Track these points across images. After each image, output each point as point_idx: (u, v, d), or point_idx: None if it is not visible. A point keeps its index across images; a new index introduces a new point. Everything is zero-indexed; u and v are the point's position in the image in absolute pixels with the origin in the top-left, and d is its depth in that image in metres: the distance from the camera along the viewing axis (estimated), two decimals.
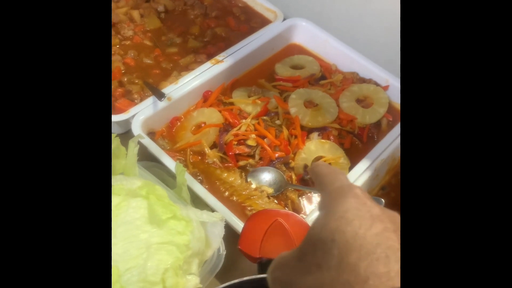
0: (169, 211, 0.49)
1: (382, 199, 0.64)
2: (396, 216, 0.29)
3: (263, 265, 0.50)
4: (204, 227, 0.53)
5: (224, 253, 0.54)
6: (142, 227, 0.47)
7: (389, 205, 0.72)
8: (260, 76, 0.88)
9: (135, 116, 0.72)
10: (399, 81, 0.84)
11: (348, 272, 0.25)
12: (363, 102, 0.82)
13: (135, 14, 0.90)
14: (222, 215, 0.55)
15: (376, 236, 0.26)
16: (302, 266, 0.29)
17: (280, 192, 0.70)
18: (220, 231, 0.53)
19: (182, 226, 0.49)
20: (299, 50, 0.94)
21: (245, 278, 0.47)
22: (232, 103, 0.80)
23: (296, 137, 0.75)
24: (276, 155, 0.72)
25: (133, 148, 0.57)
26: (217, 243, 0.53)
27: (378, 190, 0.75)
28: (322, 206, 0.31)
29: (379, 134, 0.79)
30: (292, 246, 0.51)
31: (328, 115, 0.78)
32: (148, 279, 0.45)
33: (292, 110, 0.78)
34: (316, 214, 0.64)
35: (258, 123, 0.76)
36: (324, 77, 0.87)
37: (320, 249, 0.28)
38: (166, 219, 0.49)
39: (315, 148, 0.73)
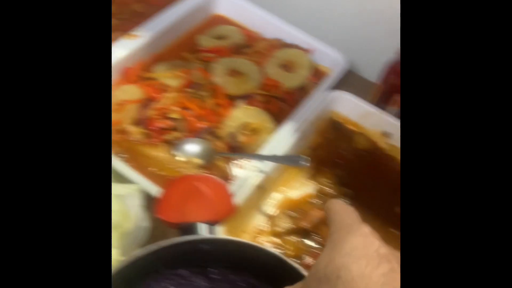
0: None
1: (309, 158, 0.64)
2: None
3: (184, 229, 0.49)
4: (122, 200, 0.51)
5: (146, 224, 0.53)
6: None
7: (319, 163, 0.74)
8: (183, 50, 0.85)
9: None
10: (322, 44, 0.85)
11: None
12: (287, 67, 0.83)
13: None
14: (139, 186, 0.53)
15: (383, 276, 0.26)
16: None
17: (209, 162, 0.69)
18: (137, 203, 0.51)
19: None
20: (223, 21, 0.93)
21: (162, 243, 0.46)
22: (154, 78, 0.77)
23: (221, 106, 0.74)
24: (201, 125, 0.71)
25: None
26: (135, 215, 0.51)
27: (308, 150, 0.76)
28: (330, 241, 0.31)
29: (305, 96, 0.80)
30: (211, 208, 0.50)
31: (252, 82, 0.77)
32: None
33: (216, 80, 0.77)
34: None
35: (182, 96, 0.74)
36: (249, 45, 0.87)
37: (324, 285, 0.28)
38: None
39: (241, 115, 0.73)
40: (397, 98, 0.75)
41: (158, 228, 0.55)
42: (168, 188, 0.50)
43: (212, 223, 0.51)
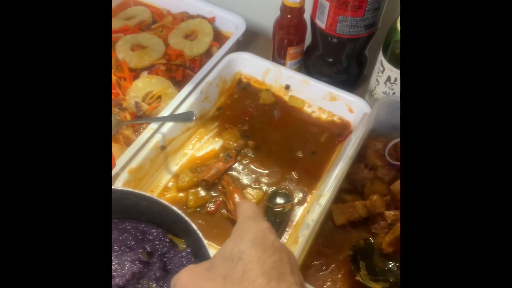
0: None
1: (193, 112, 0.68)
2: (291, 253, 0.37)
3: None
4: None
5: None
6: None
7: (224, 121, 0.78)
8: None
9: None
10: (222, 11, 0.89)
11: (247, 285, 0.32)
12: (191, 36, 0.87)
13: None
14: None
15: (274, 263, 0.34)
16: (209, 275, 0.35)
17: (115, 132, 0.73)
18: None
19: None
20: (135, 4, 0.96)
21: None
22: None
23: (125, 79, 0.78)
24: None
25: None
26: None
27: (215, 110, 0.80)
28: (236, 229, 0.38)
29: None
30: None
31: (155, 53, 0.81)
32: None
33: (120, 56, 0.81)
34: None
35: None
36: (156, 22, 0.91)
37: (227, 264, 0.34)
38: None
39: (143, 85, 0.77)
40: (289, 50, 0.79)
41: None
42: None
43: None
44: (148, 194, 0.52)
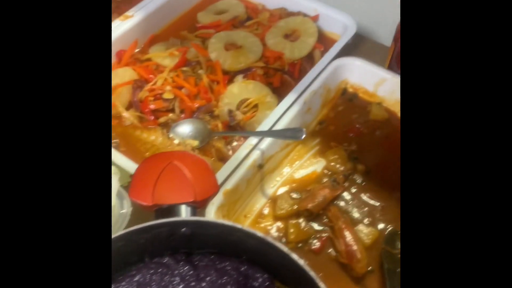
0: None
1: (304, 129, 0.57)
2: None
3: (160, 212, 0.44)
4: None
5: (126, 210, 0.49)
6: None
7: (327, 138, 0.67)
8: (182, 29, 0.81)
9: None
10: (328, 9, 0.77)
11: None
12: (291, 36, 0.76)
13: None
14: (116, 168, 0.49)
15: None
16: None
17: (205, 142, 0.64)
18: (115, 184, 0.47)
19: None
20: None
21: (133, 227, 0.41)
22: (149, 59, 0.73)
23: (218, 83, 0.69)
24: (196, 105, 0.66)
25: None
26: (113, 198, 0.47)
27: (316, 124, 0.69)
28: None
29: (312, 67, 0.73)
30: (188, 188, 0.45)
31: (251, 54, 0.71)
32: None
33: (212, 55, 0.71)
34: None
35: (177, 75, 0.69)
36: (251, 18, 0.81)
37: None
38: None
39: (238, 91, 0.67)
40: None
41: (137, 213, 0.50)
42: (142, 167, 0.46)
43: (194, 205, 0.45)
44: (261, 234, 0.42)
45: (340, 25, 0.75)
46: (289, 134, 0.57)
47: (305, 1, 0.79)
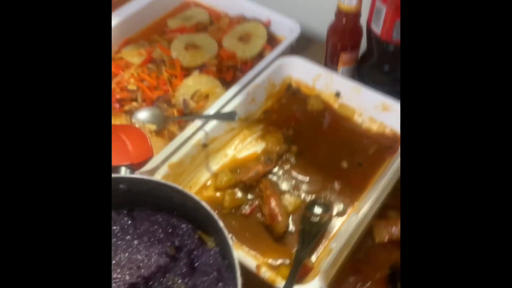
0: None
1: (235, 112, 0.68)
2: None
3: None
4: None
5: None
6: None
7: (269, 125, 0.77)
8: (153, 33, 0.92)
9: None
10: (278, 16, 0.88)
11: None
12: (244, 39, 0.87)
13: None
14: None
15: None
16: None
17: (161, 127, 0.74)
18: None
19: None
20: (195, 6, 0.98)
21: None
22: (121, 58, 0.85)
23: (176, 77, 0.79)
24: (156, 95, 0.77)
25: None
26: None
27: (261, 113, 0.79)
28: None
29: None
30: (127, 153, 0.55)
31: (208, 54, 0.82)
32: None
33: (174, 54, 0.82)
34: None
35: (142, 71, 0.81)
36: (213, 23, 0.92)
37: None
38: None
39: (192, 83, 0.78)
40: (342, 56, 0.76)
41: None
42: None
43: (132, 167, 0.56)
44: (180, 187, 0.51)
45: (287, 29, 0.86)
46: (225, 116, 0.68)
47: (259, 9, 0.90)
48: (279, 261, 0.60)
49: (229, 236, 0.47)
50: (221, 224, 0.48)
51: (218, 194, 0.68)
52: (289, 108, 0.79)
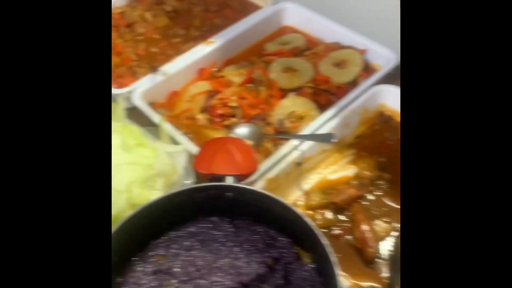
0: (137, 140, 0.61)
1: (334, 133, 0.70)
2: None
3: (213, 180, 0.59)
4: (172, 156, 0.64)
5: (189, 180, 0.64)
6: (113, 151, 0.59)
7: (361, 150, 0.78)
8: (252, 55, 0.98)
9: (136, 89, 0.86)
10: (376, 44, 0.90)
11: None
12: (340, 65, 0.89)
13: (147, 15, 1.07)
14: (185, 147, 0.65)
15: None
16: None
17: (258, 143, 0.79)
18: (183, 160, 0.63)
19: (148, 152, 0.61)
20: (290, 30, 1.04)
21: (190, 186, 0.57)
22: (222, 76, 0.91)
23: (274, 97, 0.84)
24: (254, 112, 0.82)
25: (121, 102, 0.71)
26: (181, 169, 0.63)
27: (353, 138, 0.80)
28: None
29: None
30: (235, 164, 0.60)
31: (304, 77, 0.86)
32: (115, 189, 0.57)
33: (272, 75, 0.87)
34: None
35: (243, 90, 0.86)
36: (309, 49, 0.96)
37: None
38: (134, 146, 0.60)
39: (289, 104, 0.82)
40: None
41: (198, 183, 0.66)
42: (203, 147, 0.61)
43: (238, 177, 0.60)
44: (283, 200, 0.54)
45: (383, 58, 0.88)
46: (322, 138, 0.70)
47: (356, 37, 0.92)
48: (368, 284, 0.61)
49: (332, 254, 0.49)
50: (324, 240, 0.50)
51: (309, 212, 0.70)
52: (381, 135, 0.80)
